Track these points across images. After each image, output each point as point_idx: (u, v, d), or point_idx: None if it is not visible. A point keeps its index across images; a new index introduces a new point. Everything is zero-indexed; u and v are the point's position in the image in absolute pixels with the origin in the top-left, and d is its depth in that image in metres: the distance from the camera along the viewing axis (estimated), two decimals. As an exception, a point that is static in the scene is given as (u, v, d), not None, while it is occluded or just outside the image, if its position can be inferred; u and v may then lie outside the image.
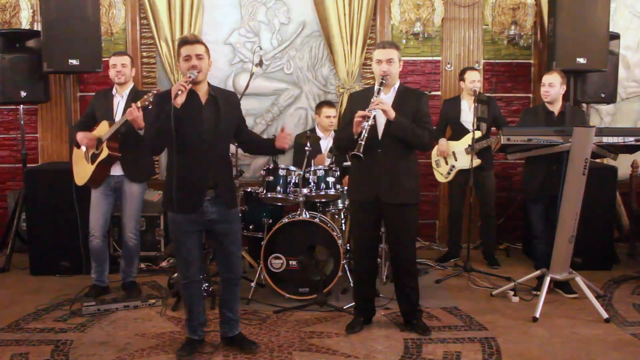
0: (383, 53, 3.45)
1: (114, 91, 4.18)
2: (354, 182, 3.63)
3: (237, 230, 3.31)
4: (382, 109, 3.36)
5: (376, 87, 3.46)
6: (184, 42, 3.08)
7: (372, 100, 3.37)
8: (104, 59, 5.10)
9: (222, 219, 3.18)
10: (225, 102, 3.17)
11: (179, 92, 2.93)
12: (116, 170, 4.11)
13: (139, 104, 3.72)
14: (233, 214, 3.25)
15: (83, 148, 4.11)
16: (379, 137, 3.45)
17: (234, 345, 3.34)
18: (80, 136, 4.06)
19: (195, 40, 3.09)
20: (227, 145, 3.26)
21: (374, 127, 3.39)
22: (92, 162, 4.05)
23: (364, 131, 3.28)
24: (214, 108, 3.11)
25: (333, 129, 4.89)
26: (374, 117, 3.36)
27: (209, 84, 3.18)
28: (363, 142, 3.26)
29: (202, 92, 3.12)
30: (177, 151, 3.01)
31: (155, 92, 3.72)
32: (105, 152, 3.99)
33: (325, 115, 4.90)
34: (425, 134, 3.45)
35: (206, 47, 3.11)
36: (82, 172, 4.12)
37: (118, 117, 4.09)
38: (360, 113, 3.32)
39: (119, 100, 4.15)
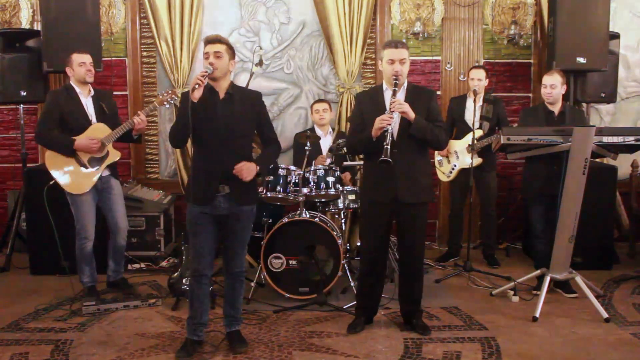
0: (396, 53, 3.38)
1: (77, 90, 4.06)
2: (369, 182, 3.60)
3: (245, 229, 3.30)
4: (402, 111, 3.33)
5: (388, 88, 3.43)
6: (206, 41, 3.17)
7: (390, 100, 3.34)
8: (104, 59, 5.13)
9: (232, 216, 3.21)
10: (243, 100, 3.22)
11: (196, 86, 3.01)
12: (104, 171, 4.11)
13: (144, 113, 4.08)
14: (245, 211, 3.26)
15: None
16: (394, 138, 3.42)
17: (229, 340, 3.37)
18: (85, 142, 3.95)
19: (215, 40, 3.15)
20: (244, 142, 3.27)
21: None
22: (95, 167, 4.03)
23: (388, 135, 3.27)
24: (230, 105, 3.18)
25: (325, 122, 4.94)
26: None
27: (231, 82, 3.24)
28: (389, 146, 3.24)
29: (221, 89, 3.19)
30: (195, 145, 3.23)
31: (163, 93, 4.15)
32: (117, 155, 4.09)
33: (315, 110, 4.95)
34: (442, 133, 3.46)
35: (228, 46, 3.17)
36: (80, 179, 4.01)
37: (94, 118, 4.06)
38: (383, 117, 3.29)
39: (85, 101, 4.07)
